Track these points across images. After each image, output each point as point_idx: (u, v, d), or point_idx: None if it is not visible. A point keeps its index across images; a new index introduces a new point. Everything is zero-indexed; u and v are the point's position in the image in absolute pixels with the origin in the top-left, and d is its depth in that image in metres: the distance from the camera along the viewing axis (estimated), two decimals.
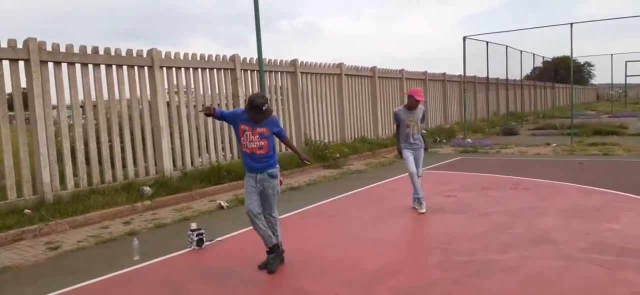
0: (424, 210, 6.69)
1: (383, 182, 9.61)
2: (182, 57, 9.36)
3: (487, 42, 18.86)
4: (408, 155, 6.80)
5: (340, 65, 13.80)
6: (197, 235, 5.55)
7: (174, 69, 9.24)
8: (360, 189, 8.90)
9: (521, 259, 4.68)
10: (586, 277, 4.18)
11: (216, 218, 7.08)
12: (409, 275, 4.41)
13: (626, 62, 32.16)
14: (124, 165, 8.38)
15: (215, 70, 10.10)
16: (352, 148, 13.24)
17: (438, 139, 16.85)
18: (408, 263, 4.72)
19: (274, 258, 4.66)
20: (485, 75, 21.67)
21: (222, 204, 7.78)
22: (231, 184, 9.13)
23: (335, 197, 8.18)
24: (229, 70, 10.37)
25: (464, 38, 16.93)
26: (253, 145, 4.51)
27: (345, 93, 14.07)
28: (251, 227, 5.75)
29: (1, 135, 6.82)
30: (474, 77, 22.37)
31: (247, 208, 4.60)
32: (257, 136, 4.49)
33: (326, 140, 13.24)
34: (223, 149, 10.27)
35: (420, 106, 6.79)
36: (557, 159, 11.69)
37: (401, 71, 17.06)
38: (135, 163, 8.53)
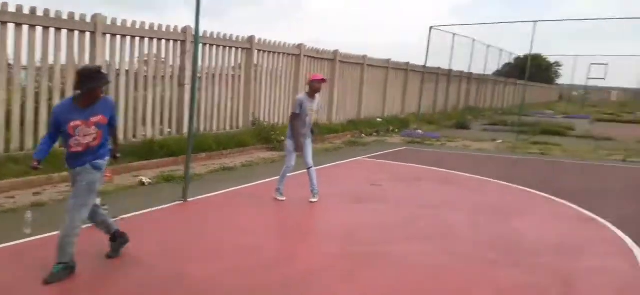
0: (283, 198, 6.62)
1: (320, 167, 9.61)
2: (129, 25, 9.08)
3: (454, 35, 19.02)
4: (306, 143, 6.55)
5: (300, 45, 13.69)
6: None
7: (118, 37, 8.96)
8: (290, 174, 8.87)
9: (416, 252, 4.78)
10: (467, 273, 4.30)
11: (131, 195, 6.91)
12: (300, 263, 4.44)
13: (591, 64, 33.00)
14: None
15: (164, 40, 9.85)
16: None
17: (391, 129, 16.99)
18: (305, 252, 4.76)
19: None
20: (452, 67, 21.98)
21: (144, 180, 7.65)
22: (162, 161, 8.98)
23: (264, 180, 8.15)
24: (178, 42, 10.14)
25: (431, 28, 16.99)
26: (88, 140, 3.85)
27: (303, 75, 13.97)
28: (160, 207, 5.70)
29: None
30: (438, 68, 22.55)
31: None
32: (93, 127, 3.84)
33: (278, 122, 13.16)
34: (161, 122, 10.07)
35: (318, 95, 6.60)
36: (495, 156, 11.95)
37: (363, 57, 17.04)
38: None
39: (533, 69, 54.06)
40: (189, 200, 6.57)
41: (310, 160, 6.60)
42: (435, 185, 8.02)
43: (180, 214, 6.09)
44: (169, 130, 10.24)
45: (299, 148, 6.45)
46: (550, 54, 46.89)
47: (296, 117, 6.40)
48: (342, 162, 10.40)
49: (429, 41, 16.96)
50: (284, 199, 6.66)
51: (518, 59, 36.18)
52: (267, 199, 6.90)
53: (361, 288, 3.92)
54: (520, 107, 19.23)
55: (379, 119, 17.89)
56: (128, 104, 9.29)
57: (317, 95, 6.49)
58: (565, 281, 4.14)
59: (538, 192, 7.61)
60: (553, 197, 7.28)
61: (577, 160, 11.40)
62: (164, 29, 9.79)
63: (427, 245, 4.99)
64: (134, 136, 9.48)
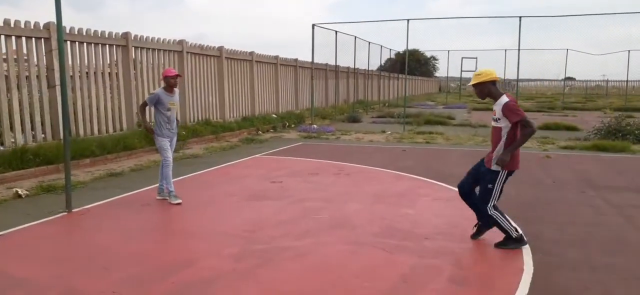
0: (179, 201, 6.39)
1: (215, 167, 9.37)
2: None
3: (336, 32, 19.53)
4: (166, 143, 6.51)
5: (181, 42, 13.13)
6: None
7: None
8: (187, 176, 8.53)
9: (315, 244, 4.81)
10: (367, 260, 4.41)
11: (5, 209, 6.21)
12: (199, 267, 4.25)
13: (462, 58, 35.99)
14: None
15: (24, 38, 8.87)
16: (192, 131, 12.74)
17: (287, 124, 17.07)
18: (204, 255, 4.56)
19: None
20: (339, 63, 22.55)
21: (20, 192, 6.87)
22: (39, 169, 8.14)
23: (155, 185, 7.70)
24: (42, 39, 9.19)
25: (313, 25, 17.28)
26: None
27: (188, 72, 13.46)
28: (41, 220, 5.27)
29: None
30: (326, 64, 23.07)
31: None
32: None
33: None
34: (33, 127, 9.11)
35: (177, 89, 6.64)
36: (385, 147, 12.51)
37: (251, 53, 16.86)
38: None
39: (412, 64, 57.70)
40: (73, 210, 6.03)
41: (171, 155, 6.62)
42: (331, 178, 8.18)
43: (65, 226, 5.56)
44: (42, 135, 9.31)
45: (149, 131, 6.71)
46: (426, 49, 50.19)
47: (144, 107, 6.75)
48: (239, 160, 10.22)
49: (313, 38, 17.28)
50: (180, 201, 6.38)
51: (398, 54, 38.24)
52: (161, 204, 6.54)
53: (263, 286, 3.85)
54: (404, 100, 20.31)
55: (274, 115, 17.87)
56: None
57: (176, 90, 6.60)
58: (456, 260, 4.42)
59: (426, 179, 8.08)
60: (439, 183, 7.78)
61: (457, 147, 12.32)
62: (22, 25, 8.83)
63: (328, 237, 5.05)
64: (2, 144, 8.48)
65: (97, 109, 10.55)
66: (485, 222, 4.85)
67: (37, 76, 9.16)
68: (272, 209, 6.19)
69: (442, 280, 3.98)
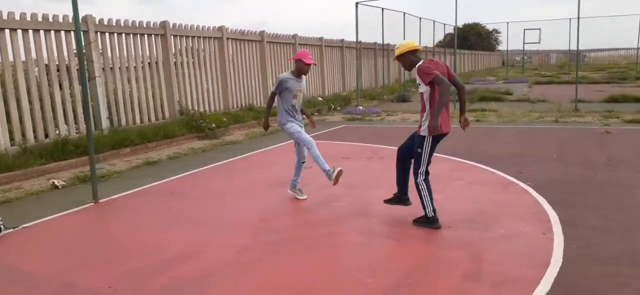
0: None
1: (249, 153, 9.30)
2: (17, 18, 8.32)
3: (382, 9, 18.91)
4: (296, 125, 5.73)
5: (221, 28, 13.15)
6: None
7: (7, 30, 8.21)
8: (221, 162, 8.51)
9: (327, 235, 4.56)
10: (376, 253, 4.12)
11: (41, 200, 6.41)
12: (203, 259, 4.12)
13: (524, 30, 33.94)
14: None
15: (63, 32, 9.14)
16: (235, 117, 12.78)
17: (332, 107, 16.79)
18: (212, 245, 4.43)
19: None
20: (389, 41, 21.94)
21: (57, 183, 7.10)
22: (80, 160, 8.39)
23: (188, 172, 7.73)
24: (81, 33, 9.43)
25: (356, 4, 16.79)
26: None
27: (229, 58, 13.48)
28: (68, 211, 5.34)
29: None
30: (375, 44, 22.48)
31: None
32: None
33: (206, 109, 12.67)
34: (75, 120, 9.42)
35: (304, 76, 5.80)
36: None
37: (294, 36, 16.68)
38: None
39: (473, 38, 55.35)
40: (100, 201, 6.13)
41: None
42: (363, 162, 7.86)
43: (86, 217, 5.64)
44: (85, 126, 9.60)
45: (264, 125, 5.91)
46: (484, 22, 47.80)
47: (272, 97, 5.83)
48: (276, 145, 10.10)
49: (356, 17, 16.75)
50: (305, 197, 5.84)
51: (458, 28, 36.74)
52: (186, 192, 6.53)
53: (261, 279, 3.66)
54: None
55: (320, 98, 17.64)
56: (32, 102, 8.60)
57: (304, 76, 5.77)
58: (475, 253, 4.02)
59: (464, 160, 7.57)
60: (479, 164, 7.25)
61: (509, 124, 11.55)
62: (60, 20, 9.07)
63: (342, 226, 4.78)
64: (47, 136, 8.83)
65: (138, 99, 10.77)
66: (401, 195, 4.93)
67: (77, 69, 9.44)
68: (291, 197, 5.98)
69: (453, 275, 3.61)
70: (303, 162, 5.92)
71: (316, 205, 5.55)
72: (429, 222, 4.60)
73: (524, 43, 33.62)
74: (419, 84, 4.53)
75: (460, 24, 42.21)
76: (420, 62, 4.48)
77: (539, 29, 31.88)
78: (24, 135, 8.43)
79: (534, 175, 6.41)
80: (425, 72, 4.38)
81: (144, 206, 5.96)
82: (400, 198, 4.95)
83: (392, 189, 5.88)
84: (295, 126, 5.72)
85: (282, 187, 6.47)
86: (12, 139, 8.29)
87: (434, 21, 25.16)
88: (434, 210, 4.61)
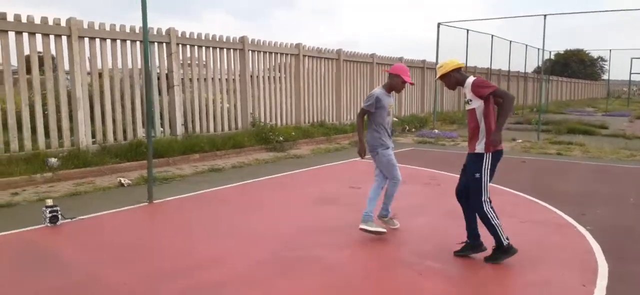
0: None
1: (308, 169, 9.41)
2: (107, 28, 9.16)
3: (467, 30, 18.31)
4: (394, 156, 5.24)
5: (298, 45, 13.49)
6: (50, 211, 5.42)
7: (97, 40, 9.06)
8: (280, 175, 8.70)
9: (349, 258, 4.48)
10: (390, 283, 3.96)
11: (105, 196, 6.97)
12: (218, 270, 4.20)
13: (631, 58, 31.20)
14: (34, 134, 8.28)
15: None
16: (304, 132, 13.00)
17: (407, 128, 16.51)
18: (231, 257, 4.51)
19: None
20: (477, 64, 21.18)
21: (123, 181, 7.67)
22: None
23: (245, 182, 7.98)
24: (163, 44, 10.17)
25: (438, 25, 16.43)
26: None
27: (304, 75, 13.78)
28: (123, 208, 5.66)
29: None
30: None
31: None
32: None
33: (278, 123, 13.03)
34: (162, 124, 10.12)
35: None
36: (504, 156, 11.28)
37: (372, 56, 16.67)
38: (47, 134, 8.43)
39: (575, 65, 51.73)
40: (155, 201, 6.52)
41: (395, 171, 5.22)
42: (417, 187, 7.62)
43: (136, 216, 6.02)
44: (161, 130, 10.29)
45: (363, 151, 5.21)
46: (589, 48, 44.45)
47: (362, 115, 5.15)
48: (337, 163, 10.13)
49: (438, 37, 16.34)
50: (395, 225, 5.34)
51: (558, 54, 34.52)
52: (233, 201, 6.74)
53: (270, 294, 3.67)
54: (539, 105, 18.12)
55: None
56: (114, 105, 9.39)
57: (393, 93, 5.25)
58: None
59: (525, 195, 7.07)
60: (541, 202, 6.73)
61: (593, 161, 10.61)
62: (137, 31, 9.78)
63: (367, 250, 4.67)
64: (125, 138, 9.56)
65: (213, 109, 11.33)
66: (473, 241, 4.50)
67: (158, 77, 10.16)
68: (331, 214, 5.96)
69: None
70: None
71: (351, 226, 5.46)
72: (506, 252, 4.31)
73: (630, 73, 30.89)
74: (470, 100, 4.32)
75: (561, 49, 39.57)
76: (471, 78, 4.33)
77: None
78: (104, 135, 9.21)
79: (598, 219, 5.82)
80: (482, 85, 4.24)
81: (192, 211, 6.24)
82: (473, 245, 4.52)
83: (434, 217, 5.66)
84: (393, 155, 5.22)
85: (321, 204, 6.47)
86: (93, 137, 9.09)
87: (526, 45, 23.88)
88: (507, 238, 4.33)
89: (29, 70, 8.31)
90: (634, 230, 5.46)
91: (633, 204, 6.68)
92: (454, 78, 4.47)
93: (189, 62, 10.77)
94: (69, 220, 5.58)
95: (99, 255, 4.52)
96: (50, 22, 8.37)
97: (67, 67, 8.73)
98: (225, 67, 11.66)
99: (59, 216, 5.47)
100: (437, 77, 4.61)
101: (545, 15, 14.28)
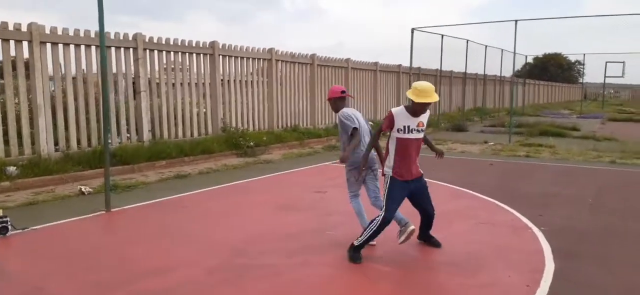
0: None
1: (275, 174, 9.35)
2: (71, 34, 9.01)
3: (442, 36, 18.48)
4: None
5: (270, 50, 13.45)
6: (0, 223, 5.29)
7: (60, 45, 8.91)
8: (247, 180, 8.63)
9: (300, 264, 4.44)
10: (340, 288, 3.93)
11: (63, 204, 6.82)
12: (169, 277, 4.14)
13: (606, 62, 31.81)
14: None
15: (113, 48, 9.77)
16: (277, 136, 12.96)
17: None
18: (181, 264, 4.44)
19: None
20: (454, 68, 21.41)
21: (84, 189, 7.53)
22: (115, 169, 8.83)
23: (209, 188, 7.90)
24: (130, 49, 10.05)
25: (412, 30, 16.56)
26: None
27: (276, 80, 13.74)
28: (79, 217, 5.51)
29: None
30: (436, 70, 21.96)
31: None
32: None
33: (251, 128, 12.96)
34: (118, 132, 9.96)
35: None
36: (474, 159, 11.40)
37: (347, 60, 16.70)
38: (7, 142, 8.25)
39: (553, 69, 52.62)
40: (113, 210, 6.40)
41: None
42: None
43: (92, 224, 5.90)
44: (127, 135, 10.14)
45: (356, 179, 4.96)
46: (566, 52, 45.35)
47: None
48: (307, 167, 10.12)
49: (412, 43, 16.49)
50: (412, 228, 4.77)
51: (536, 58, 35.04)
52: (193, 208, 6.66)
53: None
54: (510, 108, 18.33)
55: (371, 122, 17.43)
56: (78, 111, 9.23)
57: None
58: None
59: (489, 199, 7.11)
60: (501, 204, 6.77)
61: (560, 163, 10.75)
62: (112, 37, 9.68)
63: (320, 256, 4.63)
64: (90, 145, 9.41)
65: (182, 114, 11.21)
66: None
67: (124, 84, 10.02)
68: (290, 220, 5.92)
69: None
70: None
71: (308, 231, 5.44)
72: (356, 251, 4.55)
73: (604, 76, 31.50)
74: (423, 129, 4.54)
75: (540, 53, 40.13)
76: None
77: (623, 62, 29.69)
78: (68, 142, 9.04)
79: (554, 220, 5.89)
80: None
81: (149, 218, 6.15)
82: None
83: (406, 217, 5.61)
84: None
85: (282, 210, 6.43)
86: (57, 144, 8.91)
87: (502, 50, 24.17)
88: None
89: None
90: (586, 230, 5.53)
91: (590, 205, 6.77)
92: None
93: (159, 67, 10.65)
94: (20, 230, 5.44)
95: (46, 267, 4.41)
96: (10, 28, 8.20)
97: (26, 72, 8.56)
98: (195, 71, 11.56)
99: (9, 227, 5.33)
100: (434, 101, 4.38)
101: (516, 21, 14.52)
